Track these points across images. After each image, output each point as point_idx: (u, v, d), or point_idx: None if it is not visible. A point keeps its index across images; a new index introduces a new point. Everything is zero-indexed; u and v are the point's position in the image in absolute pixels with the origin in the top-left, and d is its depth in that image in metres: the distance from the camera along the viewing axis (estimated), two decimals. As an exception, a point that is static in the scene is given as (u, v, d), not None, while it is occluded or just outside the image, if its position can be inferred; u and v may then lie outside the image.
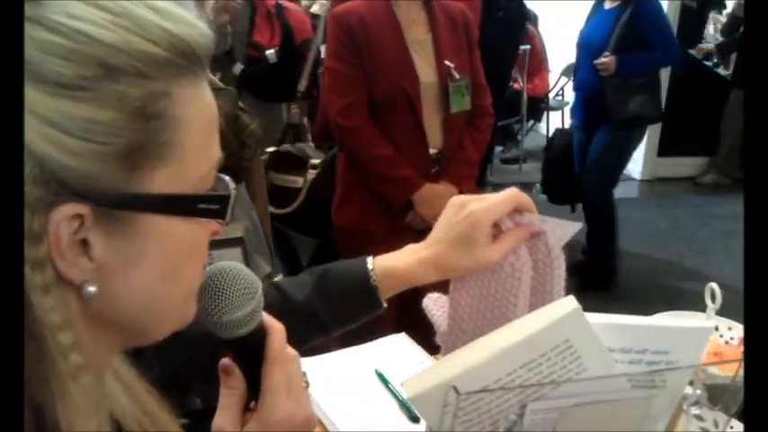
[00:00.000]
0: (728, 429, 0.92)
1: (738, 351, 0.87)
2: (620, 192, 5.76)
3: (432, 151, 2.12)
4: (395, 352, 1.29)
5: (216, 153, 0.53)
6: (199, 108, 0.50)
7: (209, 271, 0.59)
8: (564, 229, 0.77)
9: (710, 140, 5.75)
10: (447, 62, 2.09)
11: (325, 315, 0.83)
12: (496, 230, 0.78)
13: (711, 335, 0.85)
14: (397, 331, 1.39)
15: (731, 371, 0.84)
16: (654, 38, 3.58)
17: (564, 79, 6.54)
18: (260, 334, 0.60)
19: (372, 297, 0.82)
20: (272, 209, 2.48)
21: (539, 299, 0.77)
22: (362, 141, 2.07)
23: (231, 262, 0.60)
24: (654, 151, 5.91)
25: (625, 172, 6.05)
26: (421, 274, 0.81)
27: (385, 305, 0.83)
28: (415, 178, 2.08)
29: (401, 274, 0.82)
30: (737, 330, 0.91)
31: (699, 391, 0.65)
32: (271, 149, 2.80)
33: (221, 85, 2.11)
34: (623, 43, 3.53)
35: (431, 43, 2.11)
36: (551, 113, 6.66)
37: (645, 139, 5.85)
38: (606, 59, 3.56)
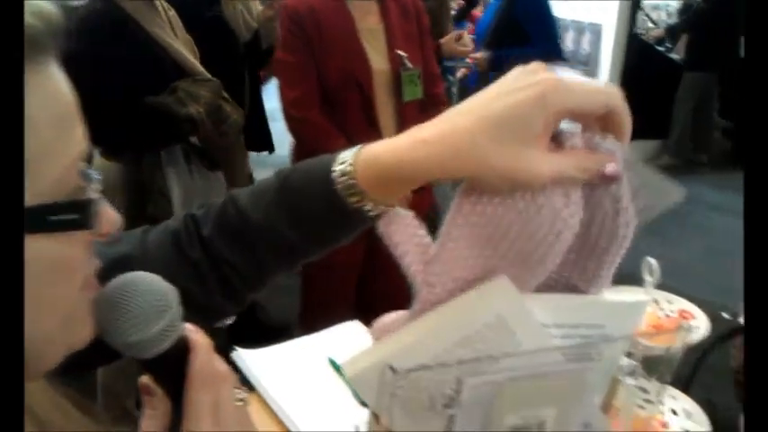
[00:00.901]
0: (671, 399, 0.95)
1: (676, 322, 0.89)
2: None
3: (386, 141, 2.12)
4: (348, 340, 1.30)
5: (76, 149, 0.45)
6: (42, 100, 0.42)
7: (109, 286, 0.52)
8: (656, 191, 0.55)
9: (664, 123, 5.87)
10: (399, 51, 2.10)
11: (292, 234, 0.62)
12: (555, 146, 0.53)
13: (648, 308, 0.88)
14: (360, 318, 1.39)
15: (668, 343, 0.87)
16: (533, 31, 3.34)
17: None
18: (181, 350, 0.53)
19: (339, 204, 0.58)
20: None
21: (575, 272, 0.59)
22: (315, 132, 2.06)
23: (140, 273, 0.53)
24: (608, 136, 6.00)
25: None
26: (421, 164, 0.55)
27: (369, 209, 0.59)
28: (369, 168, 2.08)
29: (388, 163, 0.57)
30: (678, 303, 0.94)
31: (633, 363, 0.67)
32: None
33: (207, 75, 2.10)
34: (502, 37, 3.35)
35: (383, 32, 2.11)
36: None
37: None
38: (478, 55, 3.37)
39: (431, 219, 2.94)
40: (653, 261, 0.86)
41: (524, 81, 0.53)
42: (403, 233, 0.59)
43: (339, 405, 1.15)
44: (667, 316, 0.92)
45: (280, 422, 1.11)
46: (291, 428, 1.10)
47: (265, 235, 0.63)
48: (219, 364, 0.54)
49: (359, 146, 0.60)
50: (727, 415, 1.39)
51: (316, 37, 2.03)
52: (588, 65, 6.08)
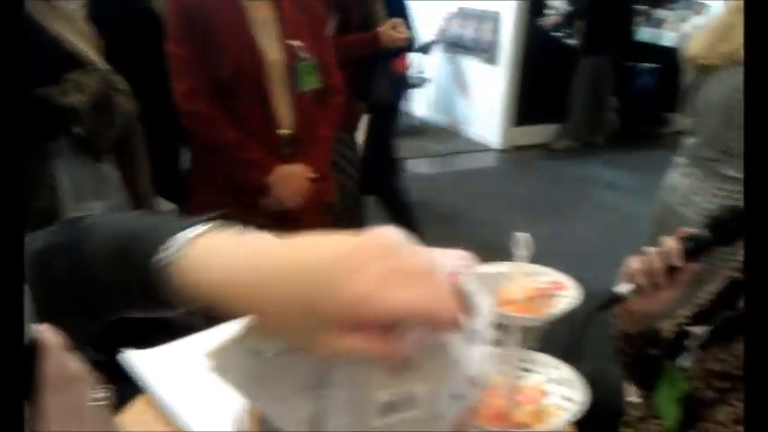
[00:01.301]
0: (551, 368, 0.99)
1: (546, 293, 0.94)
2: (479, 162, 6.02)
3: (283, 132, 2.11)
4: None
5: None
6: None
7: None
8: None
9: (562, 108, 6.10)
10: (293, 41, 2.09)
11: (122, 295, 0.60)
12: None
13: (522, 281, 0.92)
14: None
15: (539, 313, 0.92)
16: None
17: (422, 56, 6.69)
18: (30, 351, 0.49)
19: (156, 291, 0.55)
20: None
21: None
22: (209, 126, 2.03)
23: None
24: (510, 121, 6.18)
25: (483, 142, 6.34)
26: (234, 303, 0.53)
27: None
28: (266, 161, 2.06)
29: (208, 282, 0.53)
30: (552, 276, 0.99)
31: (503, 333, 0.70)
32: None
33: (99, 65, 2.02)
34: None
35: (276, 22, 2.09)
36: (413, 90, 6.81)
37: (501, 109, 6.15)
38: None
39: (332, 209, 2.96)
40: (522, 236, 0.90)
41: (356, 274, 0.48)
42: None
43: (229, 402, 1.14)
44: (540, 288, 0.97)
45: (170, 422, 1.10)
46: (182, 428, 1.09)
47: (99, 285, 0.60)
48: (73, 363, 0.51)
49: (196, 230, 0.55)
50: (610, 381, 1.48)
51: (205, 29, 1.99)
52: (489, 52, 6.23)
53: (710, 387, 1.09)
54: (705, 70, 1.96)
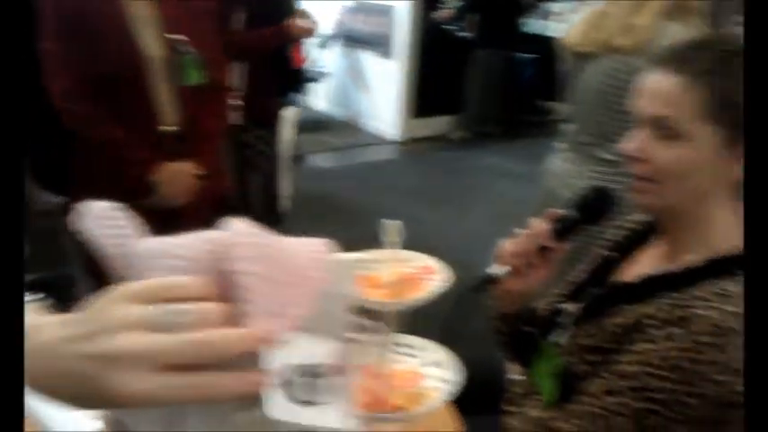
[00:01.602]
0: (426, 351, 1.02)
1: (416, 277, 0.97)
2: (378, 154, 6.08)
3: (167, 129, 2.05)
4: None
5: None
6: None
7: None
8: None
9: (458, 99, 6.23)
10: (175, 35, 2.03)
11: None
12: None
13: (393, 267, 0.94)
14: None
15: (408, 297, 0.94)
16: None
17: (319, 50, 6.67)
18: None
19: None
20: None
21: None
22: (88, 125, 1.95)
23: None
24: (407, 114, 6.26)
25: (382, 135, 6.40)
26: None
27: None
28: (151, 159, 2.00)
29: None
30: (422, 261, 1.01)
31: (356, 319, 0.71)
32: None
33: None
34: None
35: (157, 16, 2.03)
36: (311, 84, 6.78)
37: (398, 102, 6.22)
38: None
39: (252, 208, 2.89)
40: (392, 222, 0.92)
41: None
42: (98, 225, 0.59)
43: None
44: (412, 273, 0.99)
45: (32, 424, 1.06)
46: (43, 428, 1.05)
47: None
48: None
49: None
50: (493, 361, 1.53)
51: (82, 24, 1.91)
52: (385, 46, 6.28)
53: (583, 361, 1.15)
54: (581, 58, 2.04)
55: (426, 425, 1.07)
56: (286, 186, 3.50)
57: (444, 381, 0.97)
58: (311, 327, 0.65)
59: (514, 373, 1.40)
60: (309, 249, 0.63)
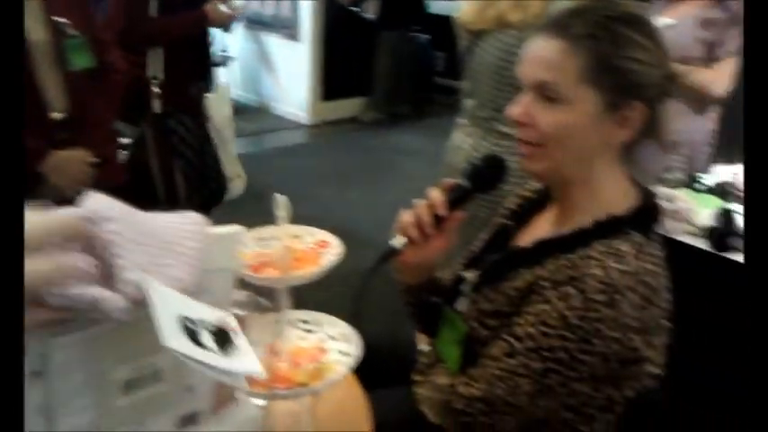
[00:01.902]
0: (328, 325, 1.01)
1: (311, 252, 0.96)
2: (290, 139, 6.02)
3: (56, 116, 1.96)
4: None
5: None
6: None
7: None
8: None
9: (367, 81, 6.23)
10: (58, 18, 1.93)
11: None
12: None
13: (289, 243, 0.93)
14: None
15: (304, 272, 0.93)
16: None
17: (224, 34, 6.51)
18: None
19: None
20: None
21: None
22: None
23: None
24: (317, 97, 6.22)
25: (293, 119, 6.34)
26: None
27: None
28: (39, 148, 1.91)
29: None
30: (319, 236, 1.00)
31: (244, 295, 0.70)
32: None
33: None
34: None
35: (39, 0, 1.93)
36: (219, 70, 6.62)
37: (307, 86, 6.17)
38: None
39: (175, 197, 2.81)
40: (282, 197, 0.90)
41: None
42: None
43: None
44: (311, 249, 0.98)
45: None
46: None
47: None
48: None
49: None
50: (404, 333, 1.54)
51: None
52: (290, 28, 6.19)
53: (484, 326, 1.17)
54: (476, 35, 2.07)
55: (330, 398, 1.07)
56: (233, 168, 3.39)
57: (345, 354, 0.96)
58: (198, 298, 0.63)
59: (422, 343, 1.42)
60: (183, 222, 0.62)
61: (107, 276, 0.56)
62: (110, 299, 0.55)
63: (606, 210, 1.10)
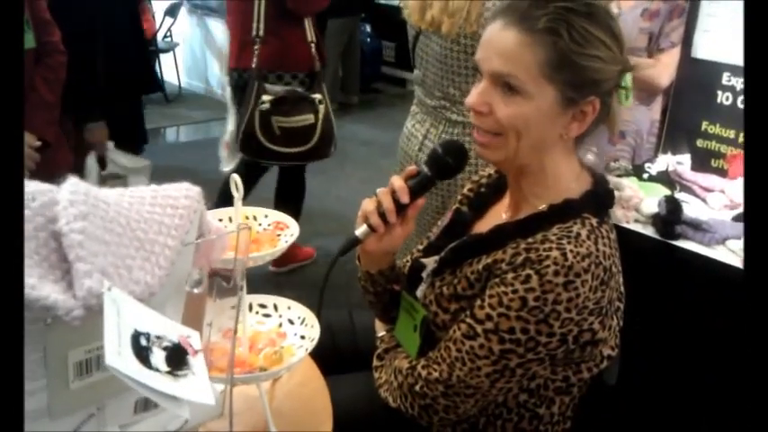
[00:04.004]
0: (286, 309, 0.99)
1: (271, 233, 0.94)
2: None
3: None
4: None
5: None
6: None
7: None
8: None
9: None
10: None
11: None
12: None
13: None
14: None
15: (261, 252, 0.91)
16: None
17: (169, 20, 6.37)
18: None
19: None
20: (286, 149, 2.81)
21: None
22: None
23: None
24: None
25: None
26: None
27: None
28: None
29: None
30: (274, 217, 0.99)
31: (196, 275, 0.68)
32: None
33: None
34: None
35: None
36: (162, 56, 6.48)
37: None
38: None
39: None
40: (237, 177, 0.88)
41: None
42: None
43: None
44: (265, 230, 0.96)
45: None
46: None
47: None
48: None
49: None
50: (363, 321, 1.54)
51: None
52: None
53: (444, 310, 1.17)
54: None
55: (289, 382, 1.06)
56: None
57: (305, 337, 0.95)
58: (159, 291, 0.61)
59: (380, 329, 1.42)
60: (167, 211, 0.60)
61: (66, 274, 0.53)
62: (64, 305, 0.52)
63: (561, 195, 1.11)
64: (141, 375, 0.53)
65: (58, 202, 0.54)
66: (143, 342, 0.55)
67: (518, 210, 1.18)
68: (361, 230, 1.14)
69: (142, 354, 0.54)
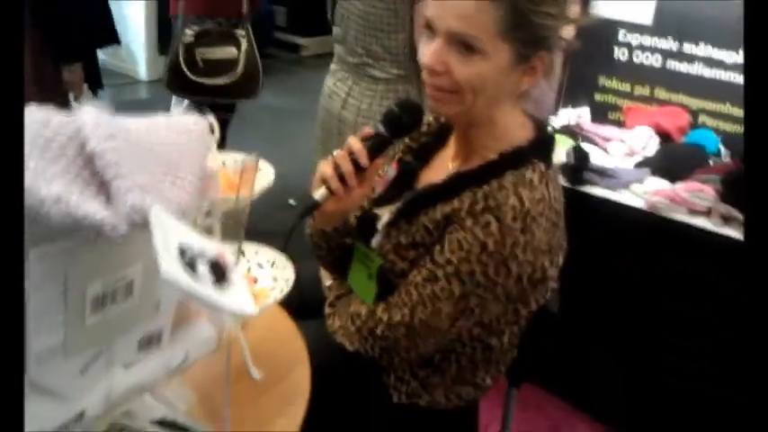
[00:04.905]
0: (253, 254, 1.00)
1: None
2: (129, 95, 5.69)
3: None
4: None
5: None
6: None
7: None
8: None
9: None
10: None
11: None
12: None
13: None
14: None
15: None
16: None
17: None
18: None
19: None
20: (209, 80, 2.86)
21: None
22: None
23: None
24: (154, 52, 5.89)
25: (131, 75, 5.97)
26: None
27: None
28: None
29: None
30: (246, 161, 0.99)
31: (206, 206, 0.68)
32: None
33: None
34: None
35: None
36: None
37: (144, 40, 5.82)
38: None
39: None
40: (213, 119, 0.88)
41: None
42: None
43: None
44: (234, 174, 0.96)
45: None
46: None
47: None
48: None
49: None
50: (311, 273, 1.55)
51: None
52: None
53: (401, 258, 1.21)
54: None
55: (259, 326, 1.07)
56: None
57: (276, 280, 0.96)
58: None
59: (326, 279, 1.44)
60: (186, 137, 0.60)
61: (105, 194, 0.53)
62: (110, 221, 0.52)
63: (510, 143, 1.17)
64: (196, 288, 0.54)
65: (81, 124, 0.53)
66: (189, 256, 0.56)
67: (468, 159, 1.22)
68: (320, 193, 1.15)
69: (190, 267, 0.55)
